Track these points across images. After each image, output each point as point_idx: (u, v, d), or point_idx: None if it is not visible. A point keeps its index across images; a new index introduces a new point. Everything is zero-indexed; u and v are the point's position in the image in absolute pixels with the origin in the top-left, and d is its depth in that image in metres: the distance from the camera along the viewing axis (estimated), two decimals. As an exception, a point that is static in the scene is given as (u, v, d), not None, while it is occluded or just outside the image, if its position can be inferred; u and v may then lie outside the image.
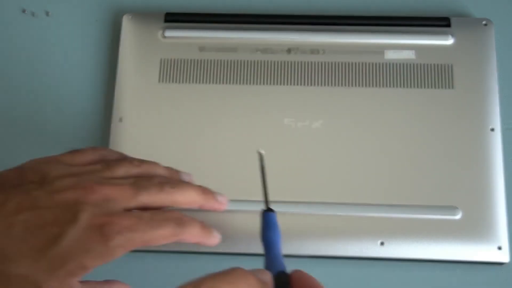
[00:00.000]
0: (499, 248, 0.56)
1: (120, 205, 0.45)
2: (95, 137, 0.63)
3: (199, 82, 0.62)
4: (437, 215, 0.56)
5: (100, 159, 0.50)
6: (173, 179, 0.49)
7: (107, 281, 0.49)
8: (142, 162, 0.49)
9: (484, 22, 0.63)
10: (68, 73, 0.66)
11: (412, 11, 0.66)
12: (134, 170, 0.48)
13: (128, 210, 0.45)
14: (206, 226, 0.48)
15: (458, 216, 0.56)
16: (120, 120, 0.61)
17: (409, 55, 0.62)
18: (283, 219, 0.55)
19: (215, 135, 0.60)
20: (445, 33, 0.63)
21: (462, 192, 0.57)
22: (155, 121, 0.61)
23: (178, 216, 0.46)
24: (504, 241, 0.56)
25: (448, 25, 0.63)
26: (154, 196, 0.46)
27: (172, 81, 0.62)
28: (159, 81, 0.62)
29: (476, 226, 0.56)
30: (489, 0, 0.66)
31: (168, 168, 0.51)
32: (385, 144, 0.59)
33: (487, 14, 0.64)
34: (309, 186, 0.57)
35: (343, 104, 0.61)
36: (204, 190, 0.49)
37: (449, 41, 0.63)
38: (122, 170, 0.48)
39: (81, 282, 0.45)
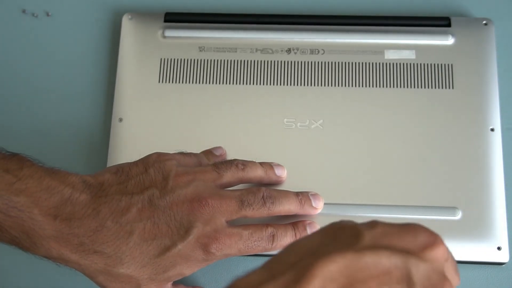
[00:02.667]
0: (499, 248, 0.56)
1: (225, 218, 0.51)
2: (95, 137, 0.63)
3: (199, 82, 0.62)
4: (437, 215, 0.56)
5: (206, 163, 0.55)
6: (273, 194, 0.53)
7: (194, 287, 0.56)
8: (245, 165, 0.54)
9: (484, 22, 0.63)
10: (68, 73, 0.66)
11: (412, 11, 0.66)
12: (239, 174, 0.54)
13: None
14: (299, 232, 0.54)
15: (458, 217, 0.56)
16: (120, 120, 0.61)
17: (409, 55, 0.62)
18: (282, 218, 0.56)
19: (215, 135, 0.60)
20: (445, 33, 0.63)
21: (462, 192, 0.57)
22: (155, 121, 0.61)
23: (272, 233, 0.52)
24: (503, 241, 0.56)
25: (448, 25, 0.63)
26: (256, 211, 0.52)
27: (172, 81, 0.62)
28: (159, 81, 0.62)
29: (475, 227, 0.56)
30: (489, 0, 0.66)
31: (264, 166, 0.56)
32: (385, 144, 0.59)
33: (487, 14, 0.64)
34: (309, 186, 0.57)
35: (343, 104, 0.61)
36: (301, 200, 0.54)
37: (449, 41, 0.63)
38: (229, 174, 0.53)
39: (173, 284, 0.52)
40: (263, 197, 0.52)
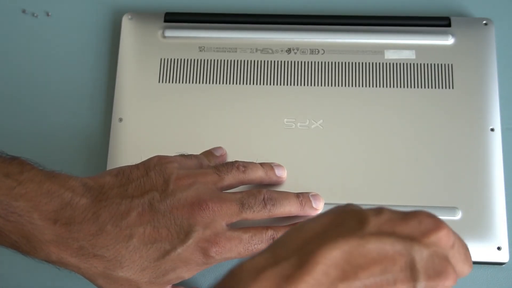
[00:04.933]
0: (499, 248, 0.56)
1: (226, 221, 0.51)
2: (95, 137, 0.63)
3: (199, 82, 0.62)
4: (437, 215, 0.56)
5: (207, 164, 0.55)
6: (274, 196, 0.53)
7: None
8: (245, 166, 0.54)
9: (484, 22, 0.63)
10: (68, 73, 0.66)
11: (412, 11, 0.66)
12: (240, 176, 0.54)
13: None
14: None
15: (458, 217, 0.56)
16: (120, 120, 0.61)
17: (409, 55, 0.62)
18: (284, 220, 0.56)
19: (215, 135, 0.60)
20: (445, 33, 0.63)
21: (462, 192, 0.57)
22: (155, 121, 0.61)
23: (272, 236, 0.52)
24: (503, 241, 0.56)
25: (448, 25, 0.63)
26: (256, 213, 0.52)
27: (172, 81, 0.62)
28: (159, 81, 0.62)
29: (475, 227, 0.56)
30: (489, 0, 0.66)
31: (264, 166, 0.56)
32: (385, 144, 0.59)
33: (487, 14, 0.64)
34: (309, 186, 0.57)
35: (343, 104, 0.61)
36: (302, 201, 0.54)
37: (449, 41, 0.63)
38: (230, 176, 0.53)
39: (172, 286, 0.52)
40: (263, 199, 0.52)
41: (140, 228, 0.49)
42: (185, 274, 0.50)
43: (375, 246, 0.35)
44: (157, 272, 0.49)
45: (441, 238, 0.37)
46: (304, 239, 0.36)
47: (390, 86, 0.61)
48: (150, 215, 0.49)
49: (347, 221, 0.37)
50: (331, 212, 0.38)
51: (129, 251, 0.48)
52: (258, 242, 0.51)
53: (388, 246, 0.35)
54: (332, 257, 0.34)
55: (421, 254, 0.36)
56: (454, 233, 0.39)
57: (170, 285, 0.52)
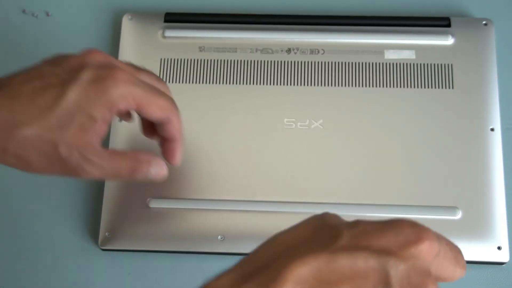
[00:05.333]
0: (499, 248, 0.56)
1: (118, 65, 0.47)
2: (95, 137, 0.63)
3: (199, 82, 0.62)
4: (437, 215, 0.56)
5: None
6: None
7: (135, 152, 0.49)
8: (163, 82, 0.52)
9: (484, 22, 0.63)
10: (68, 73, 0.66)
11: (412, 11, 0.66)
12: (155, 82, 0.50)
13: None
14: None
15: (458, 216, 0.56)
16: (120, 120, 0.61)
17: (409, 55, 0.62)
18: (282, 219, 0.56)
19: (215, 135, 0.60)
20: (445, 33, 0.63)
21: (462, 192, 0.57)
22: (155, 121, 0.61)
23: (173, 100, 0.49)
24: (503, 241, 0.56)
25: (448, 25, 0.63)
26: (146, 92, 0.47)
27: (172, 81, 0.62)
28: (159, 81, 0.62)
29: (476, 226, 0.56)
30: (489, 0, 0.66)
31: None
32: (385, 144, 0.59)
33: (487, 14, 0.64)
34: (309, 186, 0.57)
35: (343, 104, 0.61)
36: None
37: (449, 41, 0.63)
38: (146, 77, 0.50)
39: (104, 148, 0.47)
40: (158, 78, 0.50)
41: (27, 84, 0.46)
42: (94, 112, 0.45)
43: (346, 262, 0.34)
44: (62, 118, 0.45)
45: (422, 250, 0.35)
46: (274, 254, 0.35)
47: (390, 86, 0.61)
48: (38, 73, 0.47)
49: (321, 235, 0.35)
50: (306, 223, 0.37)
51: (23, 105, 0.45)
52: (163, 91, 0.48)
53: (360, 261, 0.34)
54: (301, 274, 0.33)
55: (396, 269, 0.34)
56: (440, 239, 0.36)
57: (96, 139, 0.46)
